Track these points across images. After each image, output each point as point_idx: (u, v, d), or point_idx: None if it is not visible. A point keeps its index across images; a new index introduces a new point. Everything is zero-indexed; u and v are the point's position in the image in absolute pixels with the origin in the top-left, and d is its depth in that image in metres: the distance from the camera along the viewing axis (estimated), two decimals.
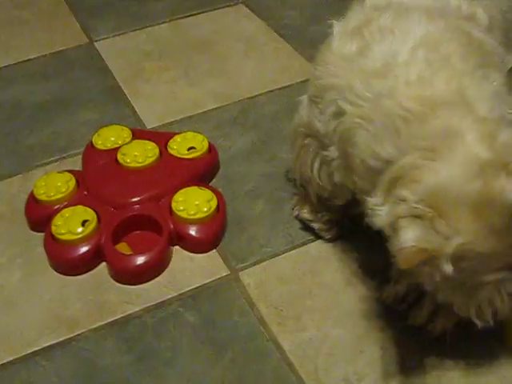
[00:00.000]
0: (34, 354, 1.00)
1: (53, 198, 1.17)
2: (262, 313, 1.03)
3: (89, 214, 1.13)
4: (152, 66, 1.59)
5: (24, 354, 1.00)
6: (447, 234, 0.75)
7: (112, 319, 1.04)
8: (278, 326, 1.02)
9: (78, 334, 1.02)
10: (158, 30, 1.72)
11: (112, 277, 1.10)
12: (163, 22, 1.75)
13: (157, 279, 1.09)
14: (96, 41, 1.69)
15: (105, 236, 1.11)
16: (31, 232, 1.19)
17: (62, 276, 1.11)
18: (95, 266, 1.12)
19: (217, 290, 1.07)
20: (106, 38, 1.70)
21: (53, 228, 1.12)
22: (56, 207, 1.16)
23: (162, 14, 1.77)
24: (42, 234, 1.15)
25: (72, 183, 1.19)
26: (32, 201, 1.20)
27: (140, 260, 1.08)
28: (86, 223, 1.11)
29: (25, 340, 1.02)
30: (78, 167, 1.28)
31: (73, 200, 1.17)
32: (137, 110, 1.45)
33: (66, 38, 1.71)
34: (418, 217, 0.75)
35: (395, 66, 0.85)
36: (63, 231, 1.11)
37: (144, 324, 1.03)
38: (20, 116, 1.46)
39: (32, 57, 1.65)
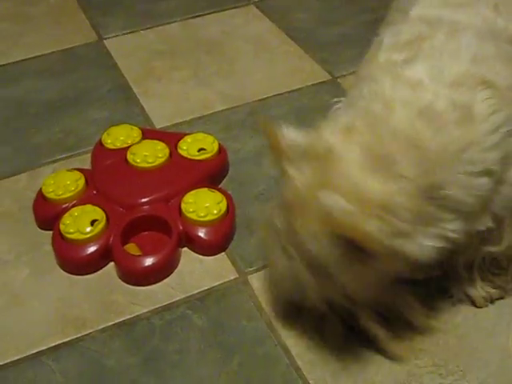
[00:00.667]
0: (41, 353, 1.00)
1: (61, 197, 1.16)
2: (270, 317, 1.03)
3: (98, 213, 1.12)
4: (162, 65, 1.58)
5: (30, 353, 1.00)
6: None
7: (119, 320, 1.03)
8: (287, 330, 1.01)
9: (85, 334, 1.02)
10: (169, 29, 1.71)
11: (120, 277, 1.09)
12: (174, 22, 1.74)
13: (165, 281, 1.09)
14: (105, 38, 1.69)
15: (113, 236, 1.10)
16: (38, 230, 1.18)
17: (69, 275, 1.10)
18: (103, 266, 1.11)
19: (225, 293, 1.07)
20: (116, 36, 1.69)
21: (61, 227, 1.11)
22: (64, 206, 1.16)
23: (173, 14, 1.77)
24: (50, 232, 1.14)
25: (81, 182, 1.18)
26: (40, 199, 1.19)
27: (148, 261, 1.07)
28: (95, 223, 1.11)
29: (31, 339, 1.01)
30: (87, 166, 1.27)
31: (82, 199, 1.17)
32: (146, 110, 1.45)
33: (75, 35, 1.70)
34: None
35: (424, 90, 0.85)
36: (72, 230, 1.10)
37: (152, 326, 1.03)
38: (27, 113, 1.46)
39: (40, 53, 1.65)
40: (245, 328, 1.02)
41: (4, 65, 1.61)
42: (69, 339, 1.01)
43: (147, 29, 1.71)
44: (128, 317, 1.04)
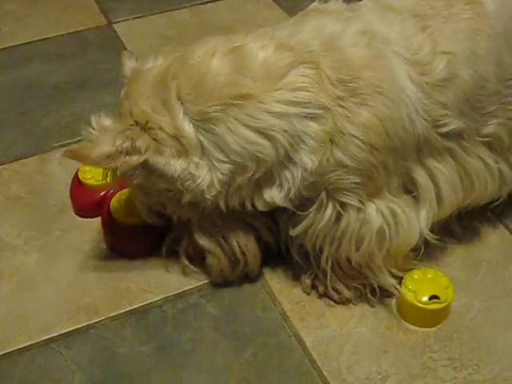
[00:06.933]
0: (52, 340, 0.99)
1: (101, 183, 1.12)
2: (284, 308, 1.02)
3: None
4: (172, 50, 1.56)
5: (41, 339, 0.99)
6: None
7: (131, 308, 1.02)
8: (301, 321, 1.00)
9: (97, 322, 1.01)
10: (178, 14, 1.69)
11: None
12: (183, 7, 1.72)
13: (177, 268, 1.07)
14: (115, 22, 1.67)
15: None
16: (47, 214, 1.17)
17: (80, 261, 1.09)
18: None
19: (239, 282, 1.05)
20: (125, 20, 1.67)
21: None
22: (102, 193, 1.14)
23: None
24: (60, 216, 1.14)
25: None
26: (77, 185, 1.16)
27: None
28: None
29: (42, 325, 1.00)
30: None
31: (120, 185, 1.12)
32: None
33: (84, 18, 1.69)
34: None
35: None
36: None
37: (164, 314, 1.02)
38: (36, 96, 1.44)
39: (48, 36, 1.63)
40: (259, 318, 1.01)
41: (11, 46, 1.59)
42: (80, 326, 1.00)
43: (156, 14, 1.69)
44: (140, 304, 1.03)
